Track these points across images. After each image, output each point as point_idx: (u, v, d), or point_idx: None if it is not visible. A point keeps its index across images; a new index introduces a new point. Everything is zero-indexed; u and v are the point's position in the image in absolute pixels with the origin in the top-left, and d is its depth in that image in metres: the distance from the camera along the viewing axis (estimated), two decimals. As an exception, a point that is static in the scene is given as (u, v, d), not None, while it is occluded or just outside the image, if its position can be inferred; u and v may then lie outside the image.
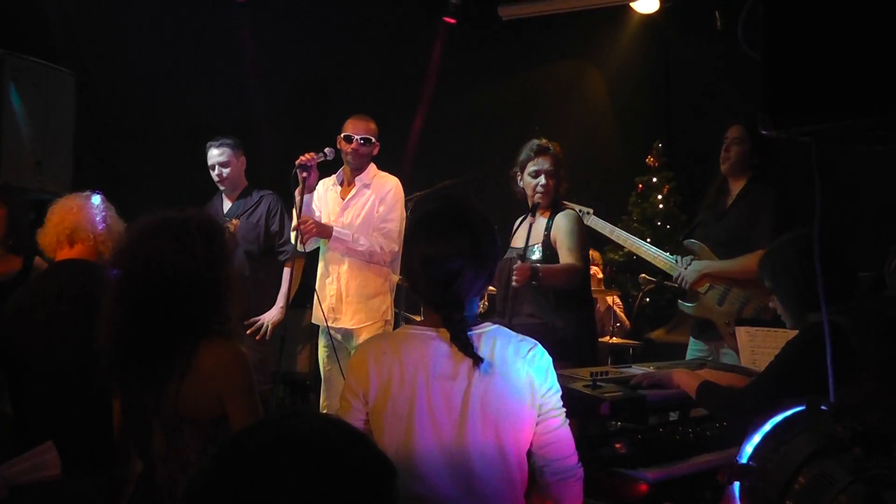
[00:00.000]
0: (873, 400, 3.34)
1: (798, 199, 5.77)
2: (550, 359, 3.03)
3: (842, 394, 3.34)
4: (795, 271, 3.75)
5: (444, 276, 2.90)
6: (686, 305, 5.92)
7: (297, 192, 6.01)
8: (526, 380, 2.93)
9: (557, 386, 3.03)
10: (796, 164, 5.79)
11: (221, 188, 6.97)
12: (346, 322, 6.36)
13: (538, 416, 2.96)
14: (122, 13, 8.07)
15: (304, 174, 5.95)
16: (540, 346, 3.03)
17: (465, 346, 2.88)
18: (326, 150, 6.11)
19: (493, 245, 3.04)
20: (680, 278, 5.83)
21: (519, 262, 5.34)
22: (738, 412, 3.71)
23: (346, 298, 6.37)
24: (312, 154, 6.00)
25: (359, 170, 6.46)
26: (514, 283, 5.26)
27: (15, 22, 7.18)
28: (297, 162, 5.97)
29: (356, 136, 6.33)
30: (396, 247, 6.34)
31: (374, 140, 6.40)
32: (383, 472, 1.65)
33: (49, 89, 6.59)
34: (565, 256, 5.45)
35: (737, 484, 2.47)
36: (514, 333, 3.04)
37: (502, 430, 2.88)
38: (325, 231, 6.24)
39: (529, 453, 3.01)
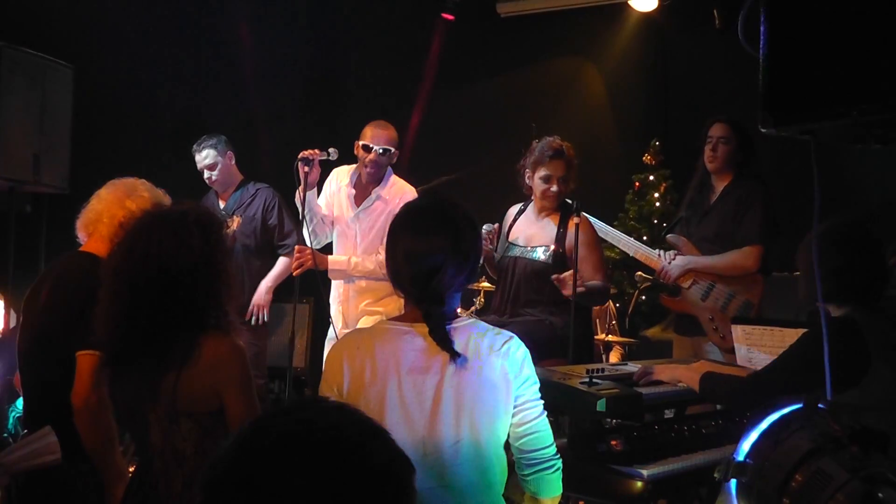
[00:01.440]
0: (887, 398, 3.33)
1: (781, 195, 5.80)
2: (527, 351, 3.04)
3: (855, 392, 3.35)
4: (827, 260, 3.61)
5: (425, 270, 2.93)
6: (669, 300, 5.92)
7: (299, 191, 5.97)
8: (500, 372, 2.94)
9: (535, 378, 3.05)
10: (777, 162, 5.83)
11: (214, 189, 6.99)
12: (354, 323, 6.34)
13: (515, 407, 2.98)
14: (121, 6, 8.06)
15: (306, 169, 5.89)
16: (516, 338, 3.05)
17: (443, 341, 2.90)
18: (331, 150, 5.98)
19: (475, 242, 3.07)
20: (664, 273, 5.82)
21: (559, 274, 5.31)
22: (751, 397, 3.69)
23: (353, 300, 6.36)
24: (317, 151, 5.92)
25: (377, 180, 6.30)
26: (564, 292, 5.24)
27: (13, 14, 7.17)
28: (300, 155, 5.93)
29: (375, 147, 6.12)
30: None
31: (393, 150, 6.21)
32: (402, 469, 1.63)
33: (47, 82, 6.58)
34: (592, 274, 5.43)
35: (734, 481, 2.47)
36: (491, 327, 3.07)
37: (477, 424, 2.90)
38: (322, 263, 6.16)
39: (507, 446, 3.02)
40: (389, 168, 6.34)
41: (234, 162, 6.99)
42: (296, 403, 1.71)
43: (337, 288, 6.42)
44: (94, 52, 7.68)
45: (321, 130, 6.48)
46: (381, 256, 6.07)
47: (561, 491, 3.13)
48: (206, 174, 6.89)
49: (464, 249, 2.97)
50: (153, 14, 8.36)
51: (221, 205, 6.95)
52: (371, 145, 6.12)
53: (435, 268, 2.92)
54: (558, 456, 3.09)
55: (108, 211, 4.05)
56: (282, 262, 6.79)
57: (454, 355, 2.88)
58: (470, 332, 2.99)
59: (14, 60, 6.32)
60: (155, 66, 8.33)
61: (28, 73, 6.43)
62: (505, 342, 3.00)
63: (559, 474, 3.10)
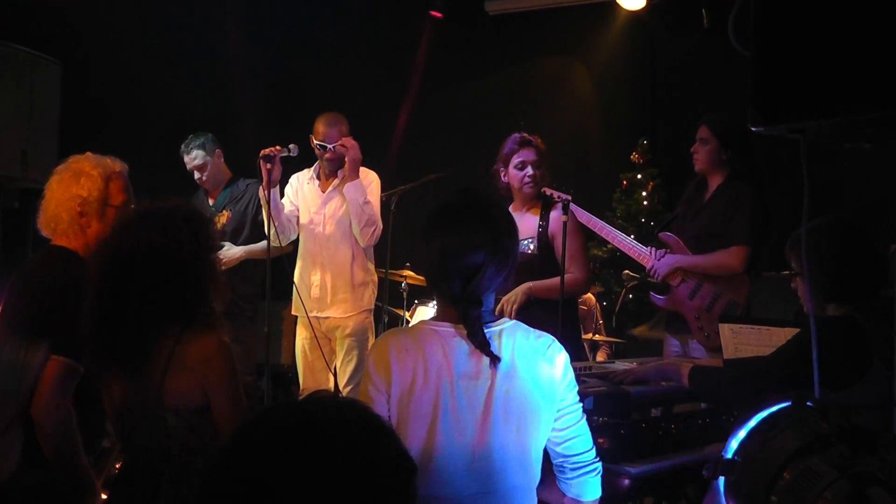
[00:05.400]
0: (887, 397, 3.33)
1: (774, 195, 5.80)
2: (567, 354, 3.00)
3: (855, 390, 3.35)
4: (823, 260, 3.64)
5: (465, 269, 2.86)
6: (658, 298, 5.93)
7: (262, 188, 6.03)
8: (547, 378, 2.90)
9: (574, 381, 3.01)
10: (772, 161, 5.84)
11: (205, 188, 7.01)
12: (332, 312, 6.40)
13: (558, 411, 2.94)
14: (109, 2, 8.05)
15: (269, 166, 5.93)
16: (556, 341, 2.99)
17: (483, 345, 2.84)
18: (291, 146, 6.03)
19: (515, 241, 3.01)
20: (653, 270, 5.83)
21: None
22: (746, 388, 3.71)
23: (331, 289, 6.40)
24: (278, 147, 5.97)
25: (338, 167, 6.44)
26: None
27: (0, 9, 7.15)
28: (261, 154, 5.97)
29: (330, 147, 6.30)
30: (380, 225, 6.43)
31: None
32: (401, 469, 1.62)
33: (34, 78, 6.56)
34: (568, 264, 5.45)
35: (722, 479, 2.47)
36: (529, 329, 3.00)
37: (524, 429, 2.86)
38: (357, 163, 6.29)
39: (546, 448, 3.00)
40: None
41: (222, 159, 7.00)
42: (303, 398, 1.69)
43: (308, 271, 6.49)
44: (81, 47, 7.67)
45: (310, 128, 6.47)
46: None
47: (600, 493, 3.10)
48: (197, 175, 6.91)
49: (504, 248, 2.91)
50: (141, 10, 8.34)
51: (211, 202, 6.97)
52: (326, 145, 6.31)
53: (475, 267, 2.85)
54: (598, 458, 3.07)
55: (63, 206, 3.98)
56: (265, 242, 6.78)
57: (495, 360, 2.83)
58: (514, 335, 2.93)
59: (1, 56, 6.30)
60: (142, 62, 8.31)
61: (15, 69, 6.41)
62: (549, 346, 2.95)
63: (600, 477, 3.07)
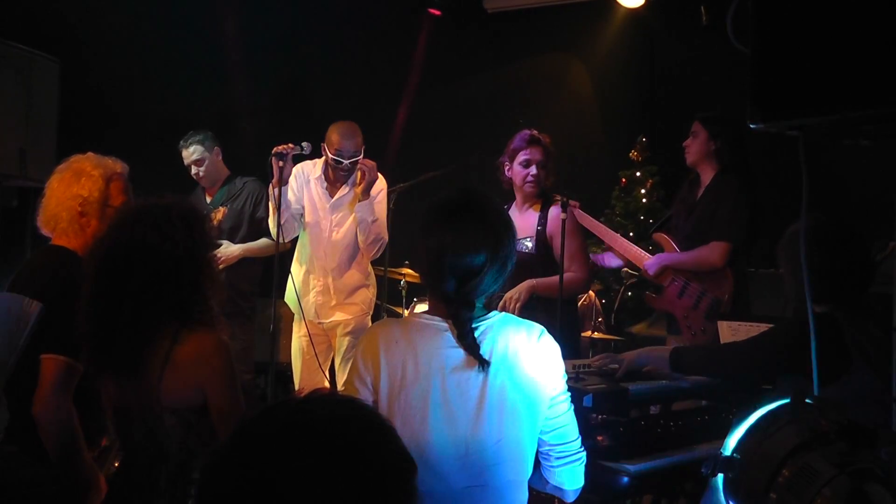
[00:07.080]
0: (865, 395, 3.35)
1: (768, 191, 5.81)
2: (557, 344, 2.99)
3: (833, 388, 3.36)
4: (809, 259, 3.69)
5: (463, 269, 2.84)
6: (652, 298, 5.95)
7: (272, 185, 6.00)
8: (539, 368, 2.90)
9: (564, 370, 3.00)
10: (765, 158, 5.84)
11: (202, 185, 7.00)
12: (333, 315, 6.41)
13: (549, 400, 2.93)
14: (108, 0, 8.04)
15: (281, 163, 5.91)
16: (546, 330, 2.99)
17: (472, 348, 2.82)
18: (304, 143, 6.00)
19: (513, 245, 2.97)
20: (644, 269, 5.85)
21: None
22: (720, 367, 3.86)
23: (333, 292, 6.40)
24: (290, 145, 5.95)
25: (350, 175, 6.39)
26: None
27: (-2, 7, 7.16)
28: (274, 150, 5.95)
29: (346, 162, 6.21)
30: (386, 239, 6.39)
31: (362, 152, 6.28)
32: (401, 469, 1.62)
33: (33, 76, 6.57)
34: (568, 263, 5.45)
35: (720, 476, 2.47)
36: (519, 319, 3.00)
37: (519, 420, 2.85)
38: (372, 184, 6.22)
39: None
40: None
41: (220, 157, 7.00)
42: (305, 395, 1.70)
43: (309, 274, 6.48)
44: (80, 46, 7.67)
45: (307, 125, 6.47)
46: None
47: (583, 482, 3.10)
48: (194, 170, 6.90)
49: (504, 255, 2.89)
50: (140, 8, 8.34)
51: (208, 200, 6.97)
52: (343, 160, 6.20)
53: (475, 269, 2.84)
54: (584, 448, 3.07)
55: (63, 205, 3.98)
56: (263, 240, 6.77)
57: (483, 363, 2.81)
58: (504, 327, 2.92)
59: (0, 54, 6.30)
60: (141, 60, 8.31)
61: (14, 67, 6.42)
62: (540, 336, 2.95)
63: (583, 466, 3.07)
